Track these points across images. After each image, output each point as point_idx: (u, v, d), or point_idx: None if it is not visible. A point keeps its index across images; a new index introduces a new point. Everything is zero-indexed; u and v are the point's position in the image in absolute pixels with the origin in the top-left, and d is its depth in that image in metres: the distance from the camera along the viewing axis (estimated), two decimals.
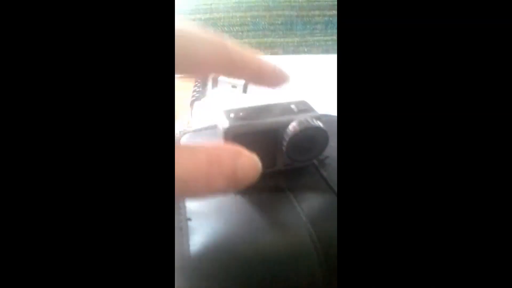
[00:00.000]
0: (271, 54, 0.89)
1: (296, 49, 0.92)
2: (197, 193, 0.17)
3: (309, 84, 0.56)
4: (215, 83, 0.50)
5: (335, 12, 0.90)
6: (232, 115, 0.29)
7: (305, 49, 0.92)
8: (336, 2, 0.89)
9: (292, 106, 0.31)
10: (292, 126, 0.29)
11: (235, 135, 0.28)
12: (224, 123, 0.28)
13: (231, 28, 0.89)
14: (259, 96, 0.54)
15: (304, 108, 0.31)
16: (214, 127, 0.32)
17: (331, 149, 0.33)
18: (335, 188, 0.31)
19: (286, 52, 0.91)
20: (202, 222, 0.27)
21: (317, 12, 0.89)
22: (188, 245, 0.25)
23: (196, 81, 0.55)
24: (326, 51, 0.90)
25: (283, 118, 0.30)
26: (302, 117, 0.30)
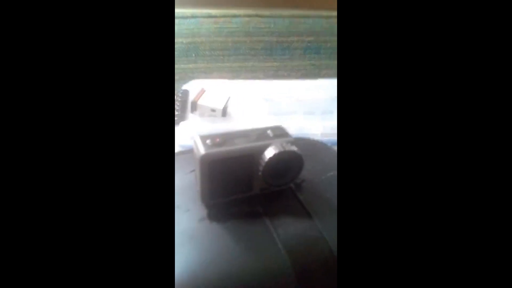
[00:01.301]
0: (252, 78, 0.91)
1: (276, 73, 0.95)
2: None
3: (288, 107, 0.58)
4: (193, 106, 0.51)
5: (312, 38, 0.94)
6: (208, 141, 0.29)
7: (285, 73, 0.95)
8: (314, 29, 0.94)
9: (268, 132, 0.31)
10: (268, 151, 0.30)
11: (211, 161, 0.29)
12: (200, 149, 0.29)
13: (213, 52, 0.91)
14: (238, 120, 0.55)
15: (280, 133, 0.31)
16: (191, 151, 0.32)
17: (307, 172, 0.34)
18: (311, 212, 0.31)
19: (266, 76, 0.93)
20: (177, 251, 0.27)
21: (295, 38, 0.93)
22: None
23: (175, 104, 0.55)
24: (305, 76, 0.94)
25: (259, 144, 0.30)
26: (278, 142, 0.30)
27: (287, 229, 0.29)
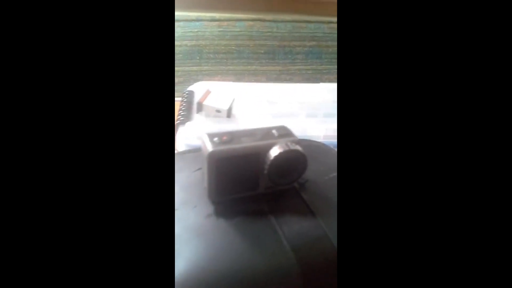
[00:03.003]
0: (255, 81, 0.92)
1: (278, 77, 0.96)
2: None
3: (291, 110, 0.58)
4: (199, 107, 0.52)
5: (314, 43, 0.95)
6: (215, 139, 0.30)
7: (287, 77, 0.96)
8: (315, 34, 0.95)
9: (273, 131, 0.32)
10: (274, 150, 0.30)
11: (218, 159, 0.29)
12: (208, 147, 0.29)
13: (216, 56, 0.92)
14: (242, 121, 0.56)
15: (285, 133, 0.32)
16: (198, 150, 0.33)
17: (311, 172, 0.34)
18: (315, 211, 0.32)
19: (269, 79, 0.95)
20: (184, 246, 0.27)
21: (297, 43, 0.94)
22: None
23: (181, 105, 0.56)
24: (307, 80, 0.95)
25: (264, 142, 0.31)
26: (283, 141, 0.31)
27: (292, 227, 0.30)
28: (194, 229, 0.29)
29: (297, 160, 0.32)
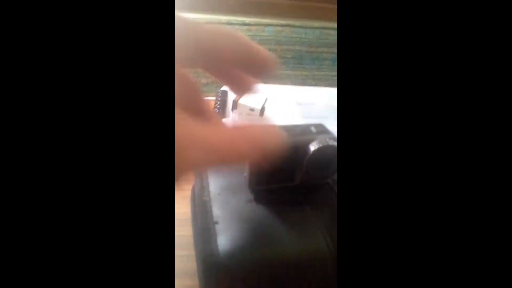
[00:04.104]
0: (281, 84, 0.95)
1: (304, 82, 0.98)
2: (222, 159, 0.17)
3: (321, 112, 0.60)
4: (234, 105, 0.54)
5: None
6: None
7: (313, 82, 0.98)
8: None
9: (311, 128, 0.34)
10: (313, 145, 0.32)
11: None
12: None
13: None
14: (275, 119, 0.58)
15: (322, 130, 0.34)
16: None
17: None
18: None
19: (294, 83, 0.97)
20: (227, 226, 0.30)
21: (325, 49, 0.96)
22: (217, 245, 0.28)
23: (216, 102, 0.59)
24: (332, 85, 0.96)
25: (304, 137, 0.33)
26: (321, 137, 0.33)
27: (326, 216, 0.32)
28: (235, 212, 0.31)
29: (334, 156, 0.34)
